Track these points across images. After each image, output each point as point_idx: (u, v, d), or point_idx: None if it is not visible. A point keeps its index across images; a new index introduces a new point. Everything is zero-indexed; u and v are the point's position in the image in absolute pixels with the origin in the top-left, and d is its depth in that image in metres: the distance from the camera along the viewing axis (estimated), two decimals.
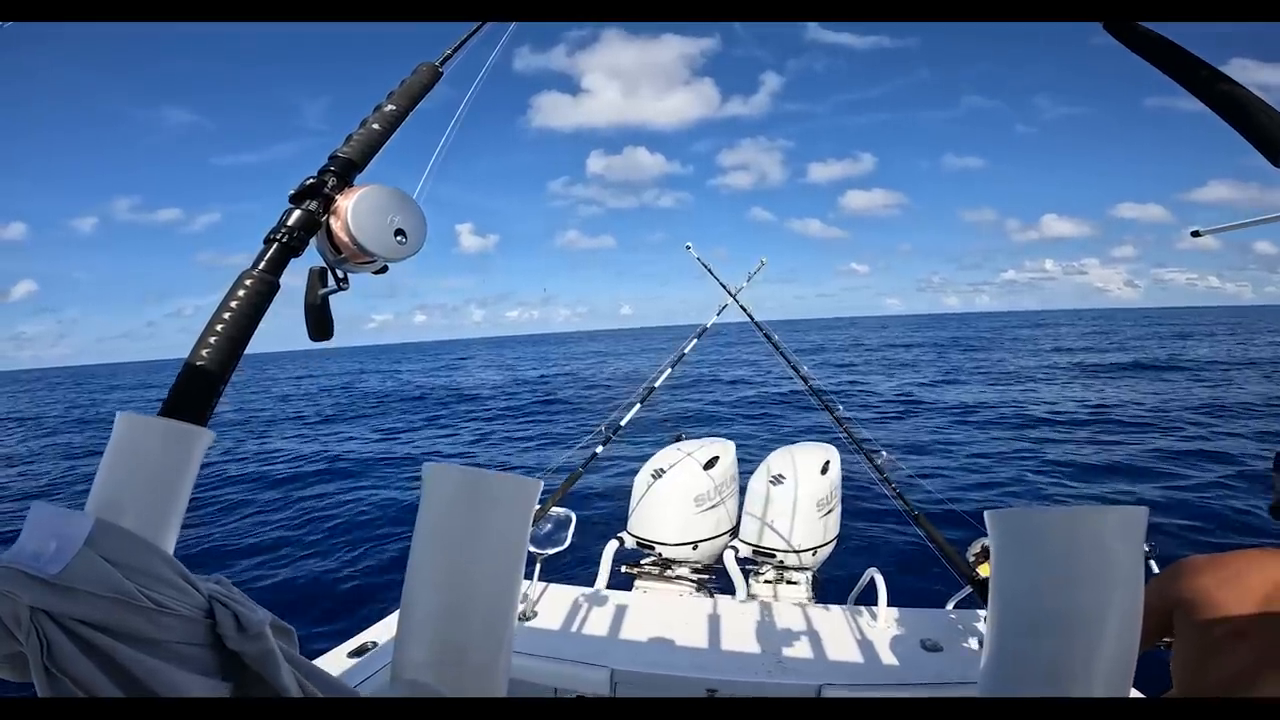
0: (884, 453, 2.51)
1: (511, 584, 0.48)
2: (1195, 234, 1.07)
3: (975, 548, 2.25)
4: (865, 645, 2.17)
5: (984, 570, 2.21)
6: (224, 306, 0.58)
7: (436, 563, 0.45)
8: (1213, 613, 1.22)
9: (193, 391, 0.54)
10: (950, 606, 2.42)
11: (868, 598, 2.40)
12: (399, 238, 0.67)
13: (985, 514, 0.50)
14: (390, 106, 0.83)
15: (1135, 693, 2.18)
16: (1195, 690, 1.24)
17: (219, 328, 0.57)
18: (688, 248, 3.40)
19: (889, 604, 2.36)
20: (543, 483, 0.53)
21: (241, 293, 0.59)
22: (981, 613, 2.18)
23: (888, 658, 2.11)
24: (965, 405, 12.80)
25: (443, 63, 0.98)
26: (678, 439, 3.11)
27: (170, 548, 0.55)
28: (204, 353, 0.55)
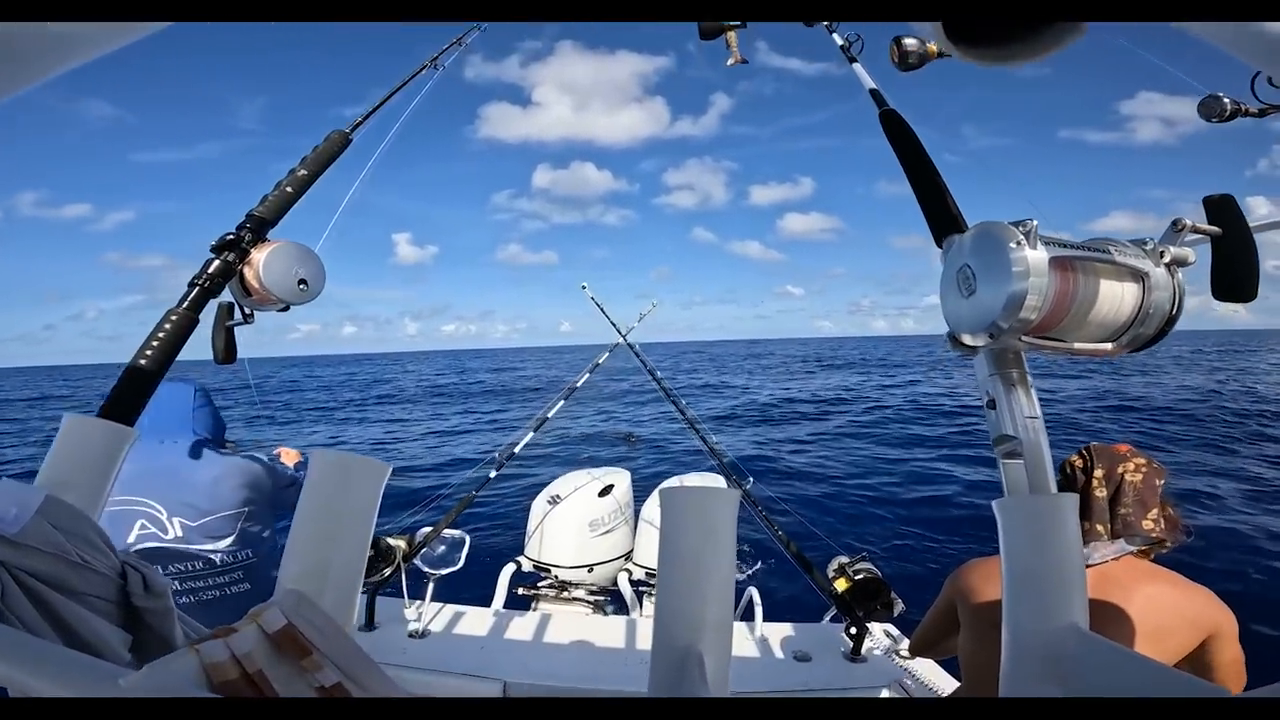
0: (751, 480, 2.80)
1: (362, 536, 0.64)
2: None
3: (833, 565, 2.52)
4: (743, 657, 2.38)
5: (840, 585, 2.48)
6: (153, 335, 0.76)
7: (311, 516, 0.64)
8: (979, 606, 1.45)
9: (124, 400, 0.71)
10: (826, 620, 2.70)
11: (751, 614, 2.64)
12: (301, 285, 0.86)
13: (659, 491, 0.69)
14: (302, 171, 1.01)
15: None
16: (973, 674, 1.50)
17: (148, 352, 0.74)
18: (583, 288, 3.70)
19: (766, 619, 2.60)
20: (391, 466, 0.67)
21: (168, 326, 0.77)
22: (844, 625, 2.46)
23: (762, 668, 2.33)
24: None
25: (353, 129, 1.16)
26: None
27: (99, 520, 0.71)
28: (134, 370, 0.73)
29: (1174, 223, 0.72)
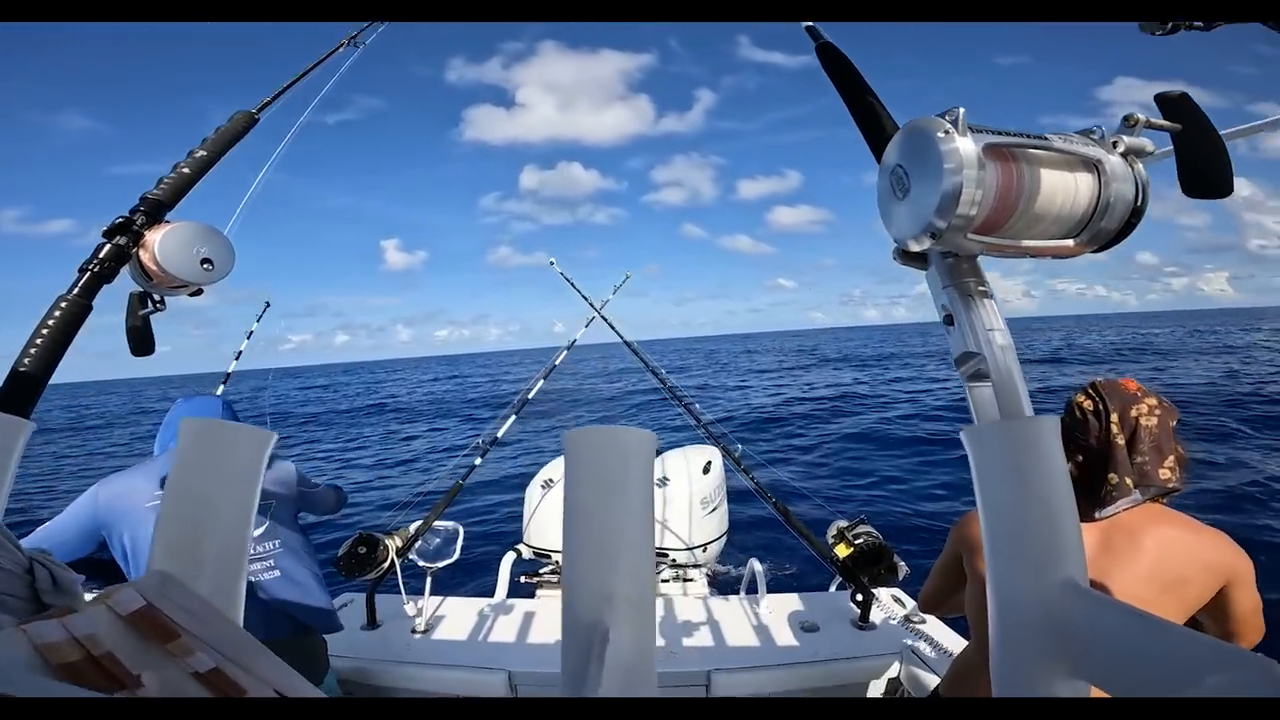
0: (740, 447, 2.75)
1: (243, 511, 0.58)
2: None
3: (832, 530, 2.44)
4: (751, 631, 2.33)
5: (841, 551, 2.42)
6: (43, 324, 0.71)
7: (182, 492, 0.57)
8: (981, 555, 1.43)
9: (17, 390, 0.67)
10: (832, 589, 2.66)
11: (755, 588, 2.59)
12: (205, 265, 0.81)
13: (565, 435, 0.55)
14: (202, 152, 0.95)
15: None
16: (981, 632, 1.46)
17: (39, 341, 0.69)
18: (551, 263, 3.64)
19: (770, 591, 2.56)
20: (276, 434, 0.61)
21: (57, 313, 0.72)
22: (849, 592, 2.41)
23: (770, 641, 2.28)
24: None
25: (260, 110, 1.09)
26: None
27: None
28: (26, 360, 0.68)
29: (1125, 118, 0.65)
